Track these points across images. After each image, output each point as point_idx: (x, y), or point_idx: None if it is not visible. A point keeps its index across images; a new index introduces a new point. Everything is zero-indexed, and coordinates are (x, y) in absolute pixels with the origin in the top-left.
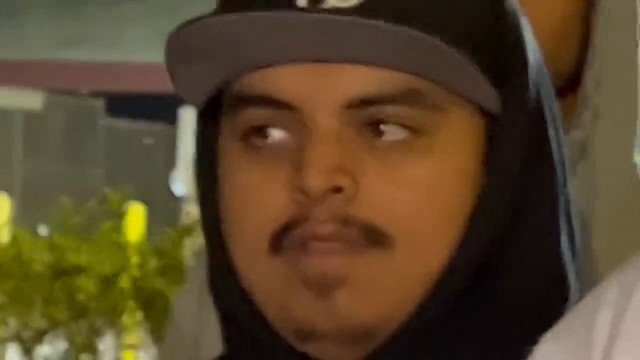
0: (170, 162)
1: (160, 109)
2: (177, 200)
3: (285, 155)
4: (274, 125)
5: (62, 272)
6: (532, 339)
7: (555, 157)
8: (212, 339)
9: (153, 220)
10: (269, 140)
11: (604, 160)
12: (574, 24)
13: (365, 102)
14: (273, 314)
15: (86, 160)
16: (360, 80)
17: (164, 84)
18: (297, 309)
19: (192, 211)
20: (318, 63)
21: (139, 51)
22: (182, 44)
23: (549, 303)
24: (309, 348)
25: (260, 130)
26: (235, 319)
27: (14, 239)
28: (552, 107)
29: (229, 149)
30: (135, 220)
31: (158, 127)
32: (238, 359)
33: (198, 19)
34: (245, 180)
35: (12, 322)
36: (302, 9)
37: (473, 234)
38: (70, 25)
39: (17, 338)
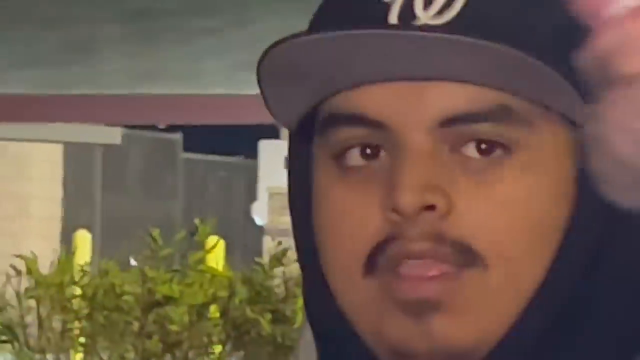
0: (248, 194)
1: (238, 142)
2: (256, 232)
3: (380, 175)
4: (368, 145)
5: (154, 304)
6: None
7: None
8: None
9: (232, 252)
10: (364, 161)
11: None
12: None
13: (457, 120)
14: (367, 335)
15: (165, 193)
16: (452, 98)
17: (241, 117)
18: (391, 331)
19: (271, 241)
20: (410, 81)
21: (216, 84)
22: (275, 64)
23: None
24: None
25: (355, 151)
26: (332, 340)
27: (104, 271)
28: None
29: (323, 170)
30: (216, 252)
31: (236, 159)
32: None
33: (291, 38)
34: (340, 203)
35: (105, 355)
36: (394, 26)
37: (567, 252)
38: (147, 60)
39: None
